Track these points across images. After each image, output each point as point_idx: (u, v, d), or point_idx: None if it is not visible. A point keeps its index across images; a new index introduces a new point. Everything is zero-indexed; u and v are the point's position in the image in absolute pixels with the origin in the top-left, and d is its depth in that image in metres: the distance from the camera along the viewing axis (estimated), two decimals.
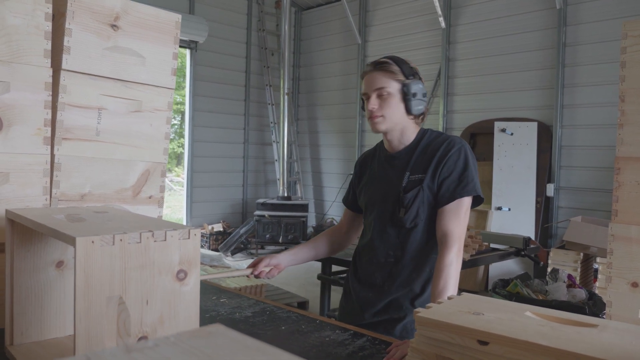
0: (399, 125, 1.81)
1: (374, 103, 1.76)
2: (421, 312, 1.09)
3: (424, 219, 1.78)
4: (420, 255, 1.80)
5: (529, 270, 5.58)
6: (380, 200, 1.86)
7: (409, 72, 1.78)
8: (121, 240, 1.05)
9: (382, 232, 1.84)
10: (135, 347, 0.43)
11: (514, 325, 1.01)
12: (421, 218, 1.77)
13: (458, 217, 1.70)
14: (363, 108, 1.86)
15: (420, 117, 1.83)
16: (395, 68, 1.77)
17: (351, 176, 2.11)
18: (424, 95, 1.81)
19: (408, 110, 1.78)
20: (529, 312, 1.10)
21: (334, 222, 8.60)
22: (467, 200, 1.72)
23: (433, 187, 1.75)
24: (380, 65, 1.77)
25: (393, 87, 1.75)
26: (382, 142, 1.96)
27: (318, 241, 2.09)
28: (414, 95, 1.76)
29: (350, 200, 2.07)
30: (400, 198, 1.78)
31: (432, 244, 1.78)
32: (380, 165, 1.91)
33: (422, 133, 1.86)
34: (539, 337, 0.95)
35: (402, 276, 1.80)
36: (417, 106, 1.78)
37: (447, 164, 1.74)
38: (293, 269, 7.36)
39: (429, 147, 1.80)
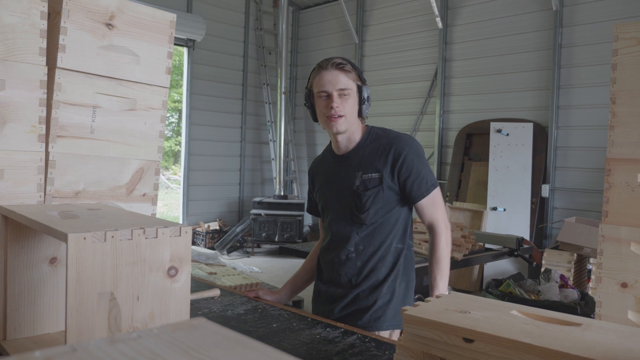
0: (352, 126, 1.86)
1: (337, 102, 1.79)
2: (409, 310, 1.11)
3: (384, 214, 1.85)
4: (381, 247, 1.86)
5: (524, 271, 5.61)
6: (334, 200, 1.92)
7: (362, 77, 1.87)
8: (112, 237, 1.06)
9: (340, 232, 1.90)
10: (119, 338, 0.44)
11: (499, 323, 1.03)
12: (381, 214, 1.84)
13: (435, 205, 1.88)
14: (308, 105, 1.90)
15: (364, 118, 1.93)
16: (353, 71, 1.83)
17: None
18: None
19: (360, 113, 1.85)
20: (515, 310, 1.12)
21: None
22: (436, 191, 1.88)
23: (394, 186, 1.84)
24: (341, 66, 1.80)
25: (352, 88, 1.81)
26: (328, 146, 2.02)
27: (310, 263, 2.14)
28: (368, 98, 1.85)
29: (315, 207, 2.10)
30: (357, 197, 1.84)
31: (393, 234, 1.87)
32: (330, 168, 1.96)
33: (368, 131, 1.91)
34: (523, 335, 0.96)
35: (366, 269, 1.86)
36: (366, 109, 1.87)
37: (405, 163, 1.81)
38: (289, 268, 7.35)
39: (379, 145, 1.86)
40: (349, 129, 1.85)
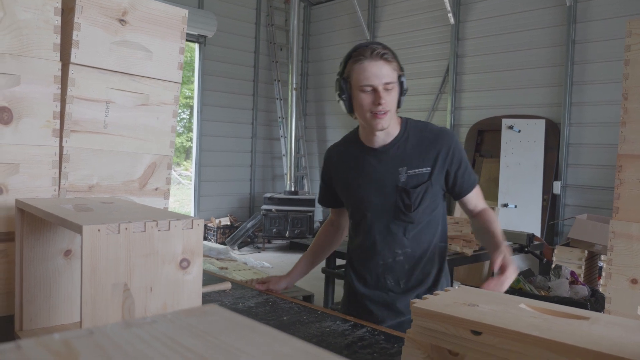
0: (393, 120, 1.74)
1: (385, 97, 1.64)
2: (417, 302, 1.12)
3: (433, 212, 1.78)
4: (429, 247, 1.79)
5: (534, 267, 5.59)
6: (376, 198, 1.78)
7: (401, 65, 1.73)
8: (126, 229, 1.08)
9: (385, 232, 1.78)
10: (134, 322, 0.46)
11: (507, 316, 1.04)
12: (429, 212, 1.77)
13: (480, 196, 1.85)
14: (344, 97, 1.72)
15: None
16: (394, 60, 1.68)
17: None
18: None
19: (399, 105, 1.73)
20: (523, 304, 1.13)
21: None
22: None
23: (441, 180, 1.76)
24: (385, 56, 1.65)
25: (395, 80, 1.67)
26: (353, 136, 1.87)
27: (316, 249, 2.12)
28: (406, 90, 1.73)
29: (330, 199, 1.98)
30: (405, 194, 1.73)
31: (440, 232, 1.82)
32: (363, 162, 1.80)
33: (404, 124, 1.80)
34: (531, 328, 0.97)
35: (416, 272, 1.78)
36: (403, 101, 1.75)
37: (455, 156, 1.75)
38: None
39: (423, 139, 1.76)
40: (390, 124, 1.73)
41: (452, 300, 1.14)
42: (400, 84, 1.70)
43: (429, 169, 1.74)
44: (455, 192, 1.80)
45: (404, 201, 1.73)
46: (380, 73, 1.63)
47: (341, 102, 1.75)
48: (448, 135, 1.78)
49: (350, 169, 1.84)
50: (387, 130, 1.73)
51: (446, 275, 1.85)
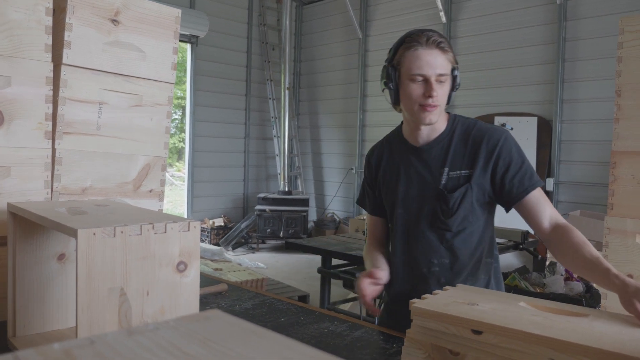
0: (441, 115, 1.58)
1: (437, 89, 1.49)
2: (417, 302, 1.12)
3: (473, 220, 1.58)
4: (471, 261, 1.59)
5: (529, 264, 5.60)
6: (413, 201, 1.62)
7: (455, 57, 1.56)
8: (122, 232, 1.07)
9: (420, 239, 1.61)
10: (136, 330, 0.45)
11: (508, 315, 1.04)
12: (469, 220, 1.57)
13: (546, 203, 1.54)
14: (391, 86, 1.55)
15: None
16: (450, 50, 1.53)
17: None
18: None
19: (448, 100, 1.57)
20: (523, 302, 1.12)
21: (335, 217, 8.63)
22: (541, 189, 1.57)
23: (485, 184, 1.56)
24: (442, 45, 1.50)
25: (449, 73, 1.52)
26: (396, 134, 1.72)
27: (379, 250, 1.75)
28: (459, 85, 1.57)
29: (378, 206, 1.76)
30: (443, 198, 1.56)
31: (485, 246, 1.61)
32: (404, 161, 1.65)
33: (452, 120, 1.63)
34: (532, 326, 0.97)
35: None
36: (453, 97, 1.60)
37: (502, 157, 1.54)
38: (294, 264, 7.34)
39: (468, 138, 1.58)
40: (438, 120, 1.57)
41: (451, 299, 1.14)
42: (454, 77, 1.55)
43: (468, 171, 1.55)
44: (505, 200, 1.55)
45: (441, 206, 1.56)
46: (435, 63, 1.48)
47: (386, 92, 1.58)
48: (496, 134, 1.57)
49: (391, 168, 1.69)
50: (434, 125, 1.58)
51: None
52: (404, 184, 1.63)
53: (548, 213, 1.52)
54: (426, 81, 1.49)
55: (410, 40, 1.50)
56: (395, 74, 1.54)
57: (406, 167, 1.64)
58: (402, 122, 1.70)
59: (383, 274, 1.60)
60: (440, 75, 1.49)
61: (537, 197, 1.53)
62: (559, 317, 1.03)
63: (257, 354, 0.42)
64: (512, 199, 1.54)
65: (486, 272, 1.62)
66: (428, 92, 1.48)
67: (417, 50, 1.48)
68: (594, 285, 3.76)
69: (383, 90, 1.60)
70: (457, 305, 1.09)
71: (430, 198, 1.58)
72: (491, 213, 1.64)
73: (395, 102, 1.58)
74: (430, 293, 1.42)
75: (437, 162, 1.59)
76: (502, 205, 1.59)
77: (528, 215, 1.55)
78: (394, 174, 1.67)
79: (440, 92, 1.50)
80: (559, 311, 1.08)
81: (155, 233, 1.11)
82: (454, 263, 1.58)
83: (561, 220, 1.52)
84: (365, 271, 1.59)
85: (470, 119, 1.65)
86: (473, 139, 1.57)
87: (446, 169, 1.57)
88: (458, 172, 1.56)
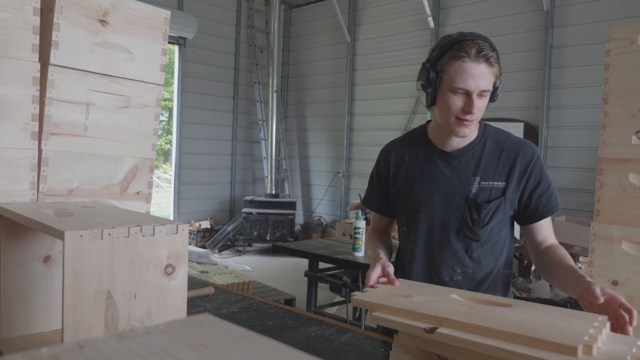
0: (475, 126, 1.56)
1: (477, 105, 1.45)
2: (357, 295, 1.18)
3: (499, 232, 1.58)
4: (492, 272, 1.59)
5: (515, 269, 5.64)
6: (440, 207, 1.57)
7: (500, 69, 1.50)
8: (109, 234, 1.06)
9: (444, 247, 1.57)
10: (126, 334, 0.44)
11: (438, 305, 1.11)
12: (496, 232, 1.57)
13: (551, 226, 1.60)
14: (430, 91, 1.50)
15: None
16: (497, 64, 1.47)
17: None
18: None
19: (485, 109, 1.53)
20: (455, 294, 1.20)
21: (322, 220, 8.62)
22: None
23: (514, 199, 1.55)
24: (491, 59, 1.43)
25: (491, 88, 1.48)
26: (417, 133, 1.68)
27: (383, 240, 1.72)
28: (497, 97, 1.53)
29: (386, 205, 1.72)
30: (476, 208, 1.53)
31: (503, 257, 1.61)
32: (429, 163, 1.60)
33: (483, 129, 1.61)
34: (458, 314, 1.04)
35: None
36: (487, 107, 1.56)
37: (533, 174, 1.54)
38: (281, 267, 7.32)
39: (502, 150, 1.57)
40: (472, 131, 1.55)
41: (390, 292, 1.22)
42: (494, 89, 1.50)
43: (503, 183, 1.54)
44: (526, 216, 1.56)
45: (472, 215, 1.53)
46: (480, 78, 1.43)
47: (422, 93, 1.54)
48: (530, 150, 1.56)
49: (413, 170, 1.63)
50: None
51: None
52: (429, 187, 1.59)
53: (548, 235, 1.58)
54: (467, 95, 1.44)
55: (459, 49, 1.43)
56: (437, 80, 1.48)
57: (431, 171, 1.59)
58: (427, 122, 1.67)
59: (392, 272, 1.44)
60: (483, 91, 1.45)
61: (547, 221, 1.58)
62: (483, 307, 1.10)
63: None
64: (536, 217, 1.55)
65: (504, 283, 1.63)
66: (468, 108, 1.45)
67: (464, 62, 1.42)
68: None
69: (418, 90, 1.56)
70: (394, 298, 1.16)
71: (459, 206, 1.55)
72: (512, 226, 1.64)
73: (430, 105, 1.55)
74: None
75: (467, 170, 1.56)
76: (519, 221, 1.59)
77: (532, 231, 1.58)
78: (418, 176, 1.61)
79: (480, 107, 1.47)
80: (485, 302, 1.15)
81: (143, 236, 1.10)
82: (477, 273, 1.57)
83: (555, 241, 1.59)
84: (380, 263, 1.41)
85: (501, 130, 1.64)
86: (507, 151, 1.56)
87: (477, 178, 1.54)
88: (491, 182, 1.54)
